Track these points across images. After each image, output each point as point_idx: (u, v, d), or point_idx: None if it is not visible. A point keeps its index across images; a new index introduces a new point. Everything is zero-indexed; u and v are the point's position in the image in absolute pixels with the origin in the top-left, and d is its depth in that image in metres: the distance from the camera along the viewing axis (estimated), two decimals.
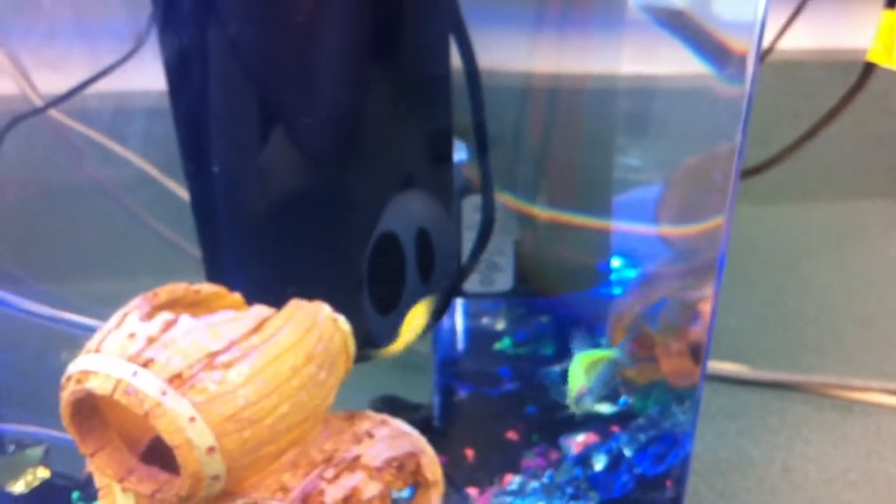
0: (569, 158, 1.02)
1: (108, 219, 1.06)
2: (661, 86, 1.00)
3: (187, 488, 0.64)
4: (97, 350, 0.65)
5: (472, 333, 1.11)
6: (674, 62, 0.95)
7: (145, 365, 0.63)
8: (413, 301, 0.84)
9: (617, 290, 1.04)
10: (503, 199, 0.98)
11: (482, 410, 1.03)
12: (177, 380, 0.63)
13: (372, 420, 0.73)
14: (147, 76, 0.87)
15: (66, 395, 0.65)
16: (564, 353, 1.02)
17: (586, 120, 1.01)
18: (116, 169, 1.03)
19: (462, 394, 1.06)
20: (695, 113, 0.96)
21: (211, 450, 0.63)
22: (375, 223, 0.79)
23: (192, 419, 0.62)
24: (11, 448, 0.91)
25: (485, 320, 1.11)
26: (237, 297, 0.74)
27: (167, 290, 0.70)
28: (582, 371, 0.87)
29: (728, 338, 1.34)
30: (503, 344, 1.11)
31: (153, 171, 1.03)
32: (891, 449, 1.11)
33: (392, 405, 1.06)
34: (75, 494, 0.87)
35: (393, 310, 0.83)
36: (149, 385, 0.62)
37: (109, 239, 1.05)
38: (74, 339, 0.84)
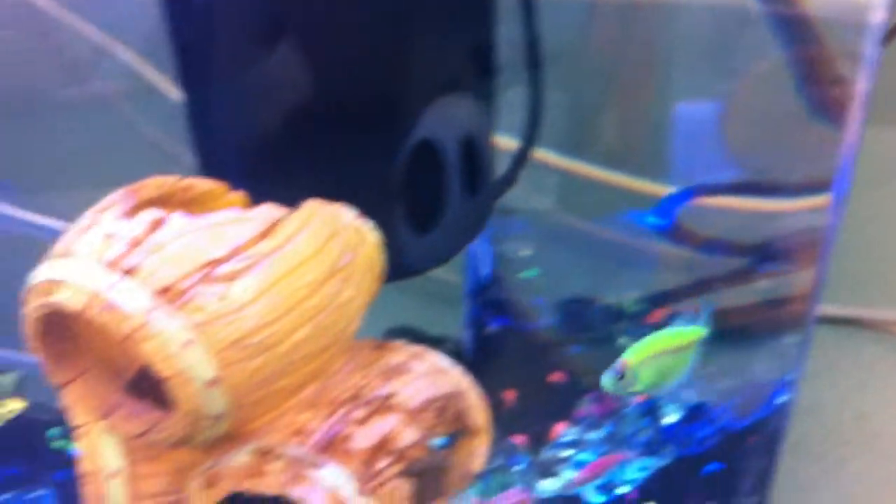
0: (635, 78, 0.89)
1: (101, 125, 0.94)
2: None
3: (182, 429, 0.51)
4: (65, 254, 0.51)
5: (499, 260, 0.98)
6: None
7: (127, 274, 0.50)
8: (455, 218, 0.71)
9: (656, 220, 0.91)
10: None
11: (519, 347, 0.90)
12: (168, 293, 0.49)
13: (405, 352, 0.60)
14: None
15: (30, 310, 0.52)
16: (602, 285, 0.91)
17: (646, 38, 0.89)
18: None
19: (494, 327, 0.94)
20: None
21: (212, 382, 0.50)
22: (412, 128, 0.66)
23: (189, 343, 0.49)
24: None
25: (510, 245, 0.98)
26: (239, 195, 0.60)
27: (153, 184, 0.57)
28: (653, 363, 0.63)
29: None
30: (531, 273, 0.98)
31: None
32: None
33: (410, 338, 0.93)
34: (53, 431, 0.75)
35: (431, 228, 0.70)
36: (132, 300, 0.49)
37: (101, 148, 0.93)
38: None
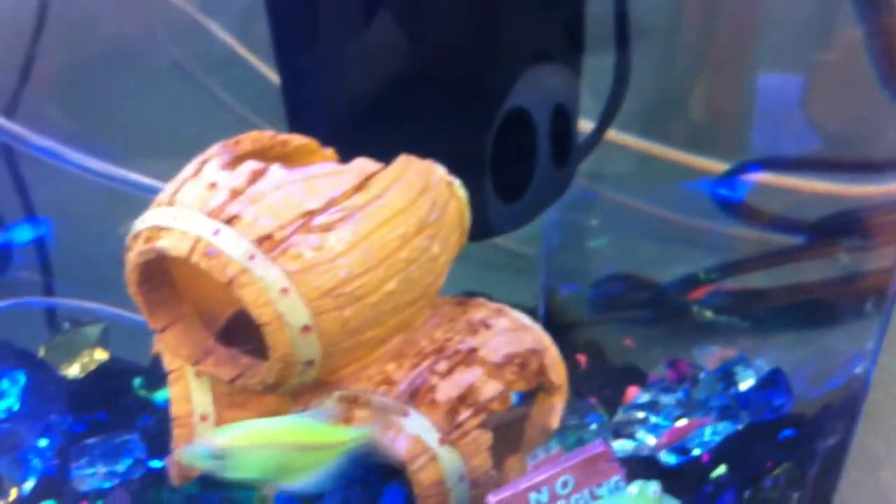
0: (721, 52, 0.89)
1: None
2: None
3: (276, 374, 0.53)
4: (170, 202, 0.53)
5: (569, 229, 0.98)
6: None
7: (229, 222, 0.51)
8: (543, 186, 0.72)
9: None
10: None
11: (591, 313, 0.91)
12: (266, 242, 0.51)
13: (487, 308, 0.61)
14: None
15: (133, 256, 0.54)
16: (673, 258, 0.90)
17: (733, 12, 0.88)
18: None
19: (566, 293, 0.94)
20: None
21: (306, 329, 0.51)
22: (506, 97, 0.68)
23: (285, 291, 0.51)
24: (66, 326, 0.81)
25: (577, 216, 0.98)
26: (330, 152, 0.62)
27: (251, 138, 0.58)
28: None
29: None
30: (601, 242, 0.99)
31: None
32: None
33: None
34: (137, 381, 0.78)
35: (520, 194, 0.71)
36: (234, 246, 0.51)
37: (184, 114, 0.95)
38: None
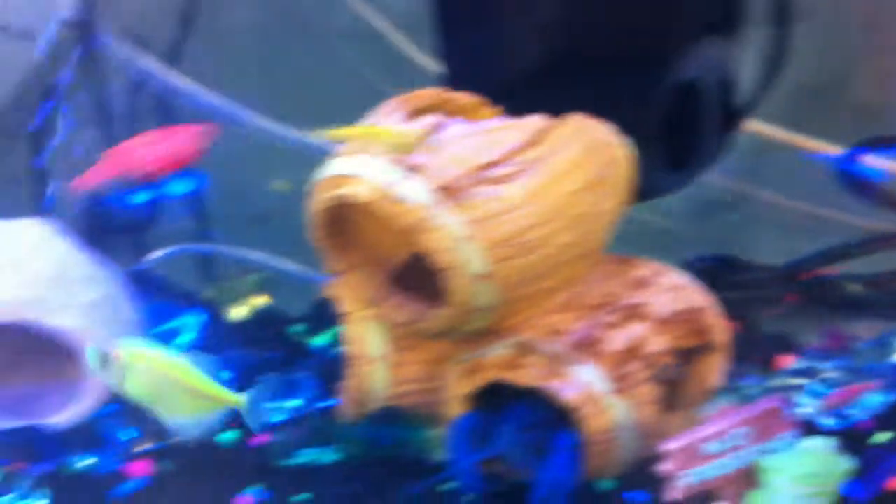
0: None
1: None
2: None
3: (452, 319, 0.55)
4: (355, 152, 0.56)
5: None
6: None
7: (412, 170, 0.53)
8: (705, 152, 0.73)
9: None
10: None
11: (736, 283, 0.90)
12: (449, 191, 0.53)
13: (649, 267, 0.62)
14: None
15: (320, 202, 0.57)
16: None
17: None
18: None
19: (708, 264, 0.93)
20: None
21: (483, 276, 0.53)
22: (677, 69, 0.68)
23: (465, 238, 0.53)
24: (226, 273, 0.85)
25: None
26: (495, 109, 0.63)
27: (420, 95, 0.60)
28: None
29: None
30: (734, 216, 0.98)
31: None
32: None
33: None
34: (296, 327, 0.81)
35: (687, 162, 0.72)
36: (418, 194, 0.53)
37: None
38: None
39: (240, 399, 0.56)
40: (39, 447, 0.59)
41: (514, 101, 0.63)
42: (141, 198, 0.88)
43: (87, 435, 0.62)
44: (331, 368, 0.68)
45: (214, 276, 0.90)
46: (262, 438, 0.64)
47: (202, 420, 0.59)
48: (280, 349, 0.78)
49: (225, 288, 0.84)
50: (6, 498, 0.58)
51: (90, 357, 0.56)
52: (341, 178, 0.55)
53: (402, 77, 0.91)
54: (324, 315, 0.78)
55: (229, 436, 0.65)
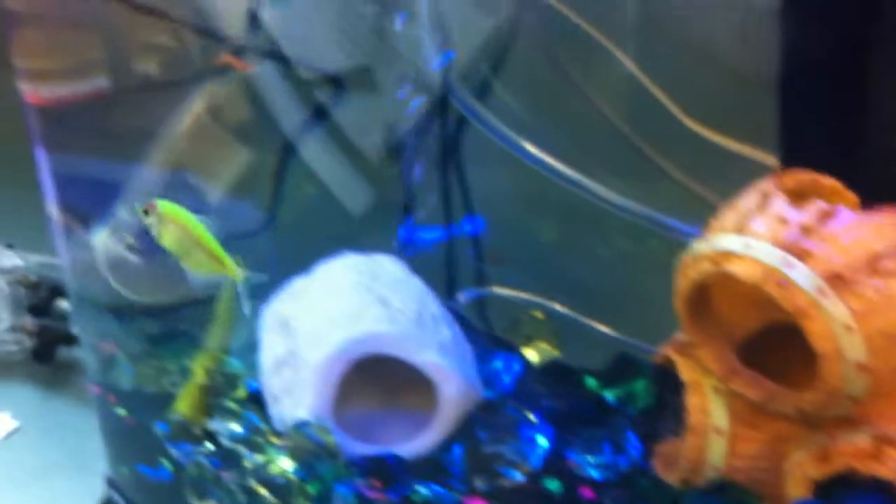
0: None
1: None
2: None
3: (818, 404, 0.56)
4: (739, 230, 0.57)
5: None
6: None
7: (801, 257, 0.55)
8: None
9: None
10: None
11: None
12: (836, 280, 0.54)
13: None
14: None
15: (694, 273, 0.59)
16: None
17: None
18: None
19: None
20: None
21: (860, 367, 0.54)
22: None
23: (849, 328, 0.53)
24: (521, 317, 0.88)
25: None
26: (853, 196, 0.63)
27: (793, 177, 0.62)
28: None
29: None
30: None
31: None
32: None
33: None
34: (590, 379, 0.83)
35: None
36: (806, 280, 0.54)
37: None
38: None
39: (239, 274, 0.66)
40: (393, 473, 0.64)
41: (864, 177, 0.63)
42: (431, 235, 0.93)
43: (431, 465, 0.66)
44: (634, 427, 0.70)
45: (489, 315, 0.94)
46: (587, 492, 0.67)
47: (211, 280, 0.69)
48: (578, 399, 0.80)
49: (520, 330, 0.87)
50: None
51: (137, 209, 0.68)
52: (725, 255, 0.57)
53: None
54: (618, 371, 0.80)
55: (553, 484, 0.68)
